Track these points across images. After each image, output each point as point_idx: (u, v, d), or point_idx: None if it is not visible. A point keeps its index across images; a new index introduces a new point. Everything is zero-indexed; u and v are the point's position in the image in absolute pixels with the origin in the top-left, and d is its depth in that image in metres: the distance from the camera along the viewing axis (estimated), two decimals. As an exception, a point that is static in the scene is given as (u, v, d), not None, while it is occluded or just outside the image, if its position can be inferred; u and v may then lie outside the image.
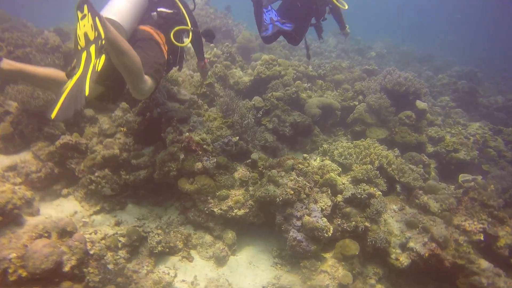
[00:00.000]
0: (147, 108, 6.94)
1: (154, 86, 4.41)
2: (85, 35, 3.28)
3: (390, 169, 7.24)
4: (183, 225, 6.64)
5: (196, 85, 8.56)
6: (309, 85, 11.23)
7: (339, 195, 6.46)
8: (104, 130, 7.15)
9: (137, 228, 5.72)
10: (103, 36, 3.16)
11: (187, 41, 5.35)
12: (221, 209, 6.28)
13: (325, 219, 5.55)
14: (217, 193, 6.38)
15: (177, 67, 6.09)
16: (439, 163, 9.73)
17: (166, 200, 7.06)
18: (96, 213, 6.22)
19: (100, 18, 3.23)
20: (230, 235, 6.39)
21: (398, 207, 6.88)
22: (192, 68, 10.63)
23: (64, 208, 6.21)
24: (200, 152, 6.34)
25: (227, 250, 6.27)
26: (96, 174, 6.20)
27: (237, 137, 6.92)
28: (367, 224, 5.93)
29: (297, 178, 6.03)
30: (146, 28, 4.69)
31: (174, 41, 4.98)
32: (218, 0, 20.21)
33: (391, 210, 6.86)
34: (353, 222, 6.06)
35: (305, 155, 7.41)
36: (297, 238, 5.55)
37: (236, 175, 6.70)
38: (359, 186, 6.38)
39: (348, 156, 7.41)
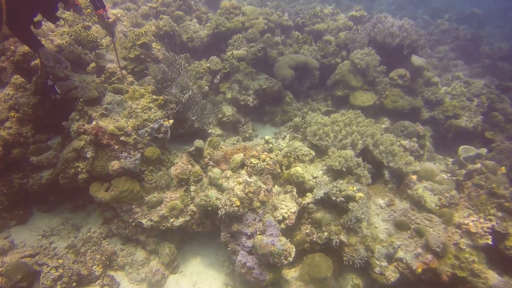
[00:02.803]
0: (44, 83, 5.02)
1: None
2: None
3: (377, 151, 5.64)
4: (108, 238, 5.12)
5: (127, 46, 6.51)
6: (282, 38, 9.14)
7: (308, 194, 4.92)
8: (-3, 114, 5.29)
9: (24, 261, 4.13)
10: None
11: None
12: (151, 220, 4.72)
13: (284, 240, 4.04)
14: (146, 198, 4.77)
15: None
16: (435, 131, 8.17)
17: (89, 203, 5.47)
18: (-22, 235, 4.62)
19: None
20: (167, 249, 4.91)
21: (385, 202, 5.40)
22: (131, 22, 8.42)
23: None
24: (117, 147, 4.60)
25: (163, 270, 4.83)
26: (-31, 183, 4.49)
27: (171, 120, 5.13)
28: (343, 238, 4.47)
29: (248, 180, 4.41)
30: None
31: None
32: None
33: (376, 206, 5.39)
34: (326, 233, 4.59)
35: (267, 137, 5.75)
36: (247, 264, 4.08)
37: (173, 171, 5.04)
38: (335, 185, 4.80)
39: (323, 136, 5.74)
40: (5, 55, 5.82)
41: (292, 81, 7.88)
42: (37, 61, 5.36)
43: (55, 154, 5.01)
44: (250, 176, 4.50)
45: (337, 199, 4.59)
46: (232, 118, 7.02)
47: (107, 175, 4.57)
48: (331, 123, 5.91)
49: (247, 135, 7.22)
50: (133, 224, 4.77)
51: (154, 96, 5.18)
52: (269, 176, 4.67)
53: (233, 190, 4.27)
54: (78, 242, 4.88)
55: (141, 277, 4.81)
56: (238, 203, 4.10)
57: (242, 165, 4.57)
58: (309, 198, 4.87)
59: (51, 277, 4.02)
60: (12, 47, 5.74)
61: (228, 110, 7.04)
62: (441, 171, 6.08)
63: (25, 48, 5.51)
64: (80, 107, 4.68)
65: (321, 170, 5.42)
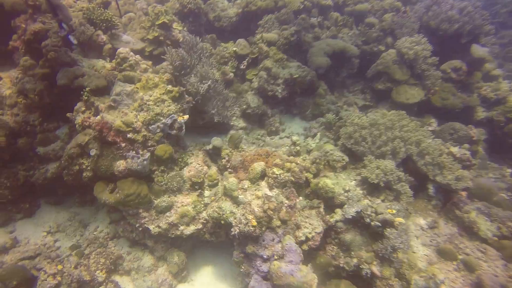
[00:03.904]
0: (53, 67, 4.58)
1: None
2: None
3: (422, 162, 4.80)
4: (115, 238, 4.77)
5: (146, 26, 5.92)
6: (319, 19, 8.16)
7: (337, 210, 4.24)
8: (5, 98, 4.99)
9: (22, 265, 3.84)
10: None
11: None
12: (159, 227, 4.27)
13: (305, 270, 3.43)
14: (156, 202, 4.31)
15: None
16: (490, 134, 7.06)
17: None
18: (-19, 228, 4.40)
19: None
20: (176, 258, 4.48)
21: (428, 222, 4.62)
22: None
23: None
24: (123, 145, 4.11)
25: (171, 280, 4.43)
26: (-31, 175, 4.21)
27: (187, 116, 4.56)
28: (375, 269, 3.79)
29: (269, 194, 3.79)
30: None
31: None
32: None
33: (416, 226, 4.63)
34: (355, 259, 3.93)
35: (294, 138, 5.05)
36: (261, 292, 3.54)
37: (187, 172, 4.51)
38: (370, 204, 4.08)
39: (360, 141, 4.97)
40: (16, 33, 5.44)
41: (327, 70, 7.00)
42: (48, 40, 4.91)
43: (62, 146, 4.64)
44: (271, 189, 3.88)
45: (372, 223, 3.88)
46: (257, 110, 6.35)
47: (112, 175, 4.14)
48: (369, 125, 5.09)
49: (273, 128, 6.55)
50: (140, 229, 4.36)
51: (168, 87, 4.60)
52: (293, 189, 4.03)
53: (250, 205, 3.68)
54: (83, 241, 4.58)
55: (147, 285, 4.43)
56: (254, 222, 3.52)
57: (262, 175, 3.95)
58: (338, 215, 4.19)
59: (48, 286, 3.71)
60: (23, 25, 5.32)
61: (253, 101, 6.36)
62: (498, 188, 5.15)
63: (36, 26, 5.07)
64: (86, 97, 4.21)
65: (354, 180, 4.70)
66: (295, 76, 6.49)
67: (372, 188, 4.50)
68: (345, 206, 4.20)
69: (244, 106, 6.36)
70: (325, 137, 6.02)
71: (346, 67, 7.46)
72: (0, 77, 5.34)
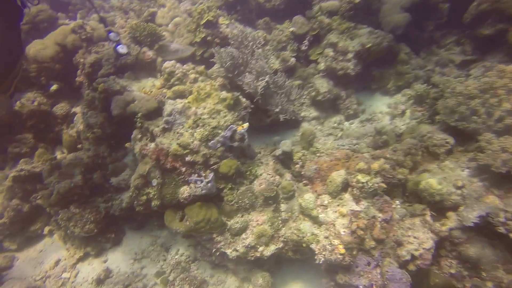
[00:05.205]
0: (107, 98, 4.49)
1: None
2: None
3: None
4: (196, 261, 4.59)
5: (191, 29, 5.50)
6: (388, -33, 6.69)
7: (450, 214, 3.25)
8: (80, 133, 5.19)
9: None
10: None
11: None
12: (236, 250, 3.90)
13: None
14: (229, 223, 3.93)
15: None
16: None
17: (176, 219, 5.03)
18: (81, 259, 4.65)
19: None
20: (260, 280, 4.08)
21: None
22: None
23: (46, 255, 4.82)
24: (184, 169, 3.79)
25: (260, 304, 4.07)
26: (60, 215, 4.40)
27: (246, 124, 4.01)
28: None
29: (356, 209, 3.03)
30: None
31: None
32: None
33: None
34: (489, 283, 2.95)
35: (379, 125, 4.08)
36: (363, 331, 2.88)
37: (257, 186, 4.00)
38: (500, 206, 2.99)
39: (468, 114, 3.78)
40: (79, 68, 5.60)
41: (408, 28, 5.68)
42: (103, 69, 4.90)
43: (131, 174, 4.58)
44: (358, 202, 3.11)
45: (510, 234, 2.83)
46: (329, 95, 5.51)
47: (179, 202, 3.87)
48: (480, 92, 3.83)
49: (351, 112, 5.64)
50: (217, 253, 4.06)
51: (222, 94, 4.11)
52: (387, 197, 3.18)
53: (334, 226, 3.00)
54: (167, 267, 4.50)
55: (236, 309, 4.16)
56: (342, 250, 2.85)
57: (344, 186, 3.20)
58: (451, 221, 3.21)
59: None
60: (82, 60, 5.43)
61: (322, 85, 5.52)
62: None
63: (92, 58, 5.10)
64: (140, 124, 3.99)
65: (467, 168, 3.59)
66: (368, 46, 5.39)
67: (496, 179, 3.35)
68: (461, 208, 3.19)
69: (313, 93, 5.57)
70: (417, 114, 4.88)
71: (433, 18, 5.97)
72: (75, 112, 5.59)
